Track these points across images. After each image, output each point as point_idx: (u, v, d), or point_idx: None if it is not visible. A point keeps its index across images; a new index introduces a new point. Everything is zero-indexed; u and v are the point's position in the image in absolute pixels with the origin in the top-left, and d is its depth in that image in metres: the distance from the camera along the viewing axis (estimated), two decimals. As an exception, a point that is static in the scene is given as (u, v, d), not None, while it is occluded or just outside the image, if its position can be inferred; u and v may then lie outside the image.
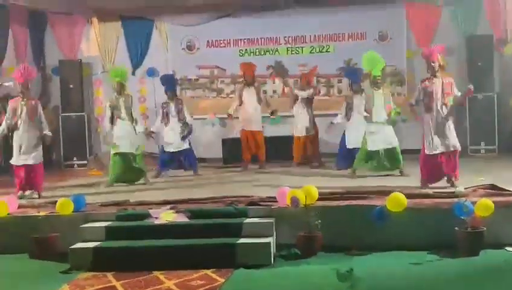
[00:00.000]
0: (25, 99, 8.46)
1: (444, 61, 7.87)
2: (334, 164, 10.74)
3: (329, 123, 10.78)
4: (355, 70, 10.93)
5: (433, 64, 7.73)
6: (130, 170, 9.38)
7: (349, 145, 10.44)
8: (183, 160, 10.53)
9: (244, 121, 11.11)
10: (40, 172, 8.60)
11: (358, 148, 9.61)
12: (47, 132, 8.63)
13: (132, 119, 9.40)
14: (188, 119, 10.49)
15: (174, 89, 10.85)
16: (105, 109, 9.90)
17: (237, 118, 11.29)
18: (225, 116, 11.84)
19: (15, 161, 8.46)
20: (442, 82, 7.70)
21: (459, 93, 7.78)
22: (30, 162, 8.41)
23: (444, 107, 7.64)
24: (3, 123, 8.56)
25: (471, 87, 7.61)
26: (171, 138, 10.44)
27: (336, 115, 10.98)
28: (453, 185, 7.56)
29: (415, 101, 7.98)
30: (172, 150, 10.45)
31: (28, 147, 8.40)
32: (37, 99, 8.85)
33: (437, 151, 7.64)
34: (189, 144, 10.63)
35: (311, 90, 11.23)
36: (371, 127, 9.19)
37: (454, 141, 7.66)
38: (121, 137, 9.33)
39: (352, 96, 10.61)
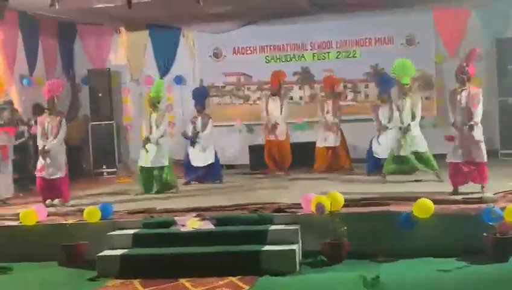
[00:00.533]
0: (51, 115, 8.55)
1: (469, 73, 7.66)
2: (366, 170, 10.66)
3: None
4: (387, 80, 10.76)
5: (462, 76, 7.58)
6: (158, 183, 9.39)
7: (376, 154, 10.36)
8: (206, 174, 10.55)
9: (268, 131, 11.17)
10: (65, 184, 8.61)
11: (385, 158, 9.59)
12: (51, 143, 8.51)
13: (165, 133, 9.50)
14: (206, 132, 10.52)
15: (203, 103, 10.85)
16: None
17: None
18: (252, 122, 11.92)
19: (39, 173, 8.51)
20: (469, 93, 7.53)
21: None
22: (55, 175, 8.46)
23: (468, 118, 7.46)
24: (38, 140, 8.60)
25: None
26: (196, 153, 10.48)
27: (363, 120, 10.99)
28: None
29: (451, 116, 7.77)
30: (196, 164, 10.50)
31: (52, 161, 8.45)
32: (63, 114, 8.89)
33: (456, 161, 7.53)
34: (215, 156, 10.60)
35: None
36: (398, 133, 9.12)
37: (478, 152, 7.47)
38: (149, 152, 9.34)
39: (379, 105, 10.54)
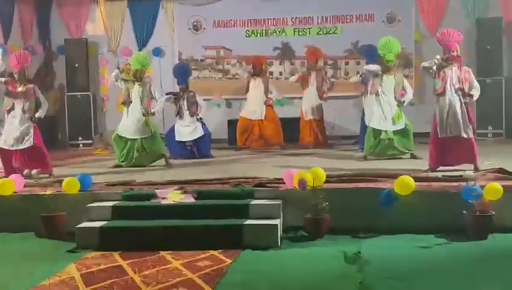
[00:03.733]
0: (22, 85, 8.31)
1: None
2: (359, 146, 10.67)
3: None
4: (372, 49, 10.70)
5: (452, 53, 7.54)
6: (143, 154, 9.22)
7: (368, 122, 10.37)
8: (195, 150, 10.37)
9: (246, 110, 11.37)
10: (41, 152, 8.37)
11: None
12: (39, 113, 8.37)
13: (144, 108, 9.18)
14: (203, 110, 10.55)
15: (186, 81, 10.70)
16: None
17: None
18: (231, 97, 11.93)
19: (4, 144, 8.28)
20: (460, 69, 7.58)
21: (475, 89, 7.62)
22: (23, 146, 8.25)
23: (459, 93, 7.52)
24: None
25: None
26: (182, 130, 10.37)
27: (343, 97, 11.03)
28: (477, 171, 7.46)
29: (428, 66, 7.69)
30: (182, 139, 10.37)
31: (21, 131, 8.23)
32: (35, 85, 8.57)
33: (447, 135, 7.57)
34: (204, 129, 10.44)
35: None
36: (378, 110, 9.14)
37: (466, 127, 7.55)
38: (129, 124, 9.19)
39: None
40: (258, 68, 11.35)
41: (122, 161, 9.22)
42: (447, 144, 7.59)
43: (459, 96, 7.52)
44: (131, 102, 9.22)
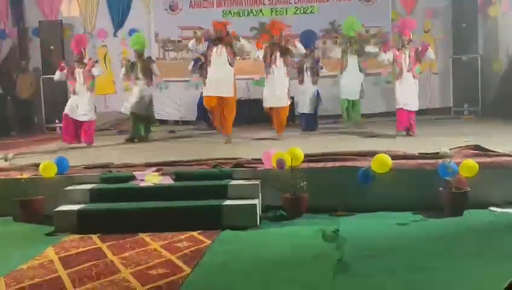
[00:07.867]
0: (81, 67, 9.64)
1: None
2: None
3: None
4: (309, 34, 11.09)
5: (403, 37, 9.20)
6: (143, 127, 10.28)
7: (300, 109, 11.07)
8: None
9: (210, 85, 9.40)
10: (91, 128, 9.72)
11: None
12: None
13: (149, 83, 10.25)
14: None
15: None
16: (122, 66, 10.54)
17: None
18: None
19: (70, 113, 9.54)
20: (409, 54, 9.14)
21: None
22: (84, 118, 9.57)
23: (409, 74, 9.13)
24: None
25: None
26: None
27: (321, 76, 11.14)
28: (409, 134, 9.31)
29: (373, 51, 9.89)
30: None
31: (82, 106, 9.55)
32: (90, 63, 9.75)
33: (398, 106, 9.35)
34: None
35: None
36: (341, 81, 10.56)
37: (411, 102, 9.24)
38: (136, 99, 10.08)
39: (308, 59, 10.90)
40: (220, 32, 9.28)
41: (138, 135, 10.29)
42: (401, 114, 9.34)
43: (412, 77, 9.17)
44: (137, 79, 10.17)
